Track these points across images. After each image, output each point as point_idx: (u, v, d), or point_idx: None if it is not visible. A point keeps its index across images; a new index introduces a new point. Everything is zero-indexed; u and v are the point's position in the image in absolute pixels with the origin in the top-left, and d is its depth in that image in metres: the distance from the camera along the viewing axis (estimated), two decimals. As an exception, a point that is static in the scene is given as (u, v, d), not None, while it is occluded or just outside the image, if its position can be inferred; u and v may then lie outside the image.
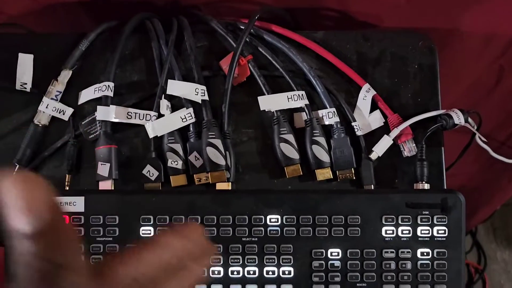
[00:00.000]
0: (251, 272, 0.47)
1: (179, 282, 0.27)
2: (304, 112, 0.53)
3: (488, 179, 0.91)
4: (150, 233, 0.47)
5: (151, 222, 0.47)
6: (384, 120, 0.53)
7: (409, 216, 0.47)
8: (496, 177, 0.89)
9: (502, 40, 0.61)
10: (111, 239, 0.47)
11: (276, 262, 0.47)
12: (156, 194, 0.49)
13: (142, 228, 0.47)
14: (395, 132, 0.52)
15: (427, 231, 0.47)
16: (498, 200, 1.00)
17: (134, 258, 0.25)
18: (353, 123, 0.53)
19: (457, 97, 0.71)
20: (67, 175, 0.52)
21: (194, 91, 0.52)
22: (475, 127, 0.54)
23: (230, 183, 0.51)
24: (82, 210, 0.47)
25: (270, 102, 0.53)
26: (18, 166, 0.52)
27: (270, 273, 0.47)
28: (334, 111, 0.52)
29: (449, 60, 0.61)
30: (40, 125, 0.53)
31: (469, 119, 0.53)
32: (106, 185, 0.51)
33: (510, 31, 0.59)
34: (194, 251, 0.27)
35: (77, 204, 0.48)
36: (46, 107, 0.52)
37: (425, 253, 0.47)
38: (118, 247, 0.47)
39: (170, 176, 0.51)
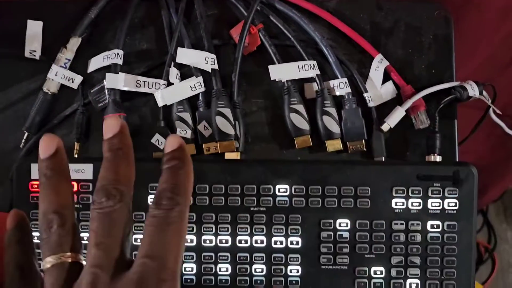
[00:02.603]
0: (259, 242, 0.47)
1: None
2: (315, 83, 0.52)
3: (499, 158, 0.90)
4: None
5: (160, 191, 0.47)
6: (396, 92, 0.53)
7: (419, 188, 0.47)
8: (507, 156, 0.88)
9: (520, 12, 0.59)
10: (119, 206, 0.47)
11: (284, 232, 0.47)
12: (164, 162, 0.49)
13: (150, 196, 0.47)
14: (407, 104, 0.51)
15: (438, 204, 0.47)
16: (509, 179, 0.99)
17: None
18: (364, 94, 0.52)
19: (472, 70, 0.69)
20: (76, 143, 0.51)
21: (204, 60, 0.51)
22: (490, 101, 0.53)
23: (239, 153, 0.50)
24: (91, 177, 0.47)
25: (280, 72, 0.52)
26: (27, 133, 0.52)
27: (278, 243, 0.47)
28: (345, 82, 0.52)
29: (465, 32, 0.59)
30: (49, 93, 0.52)
31: (484, 92, 0.52)
32: (114, 153, 0.50)
33: (529, 4, 0.58)
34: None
35: (85, 171, 0.47)
36: (55, 75, 0.52)
37: (435, 226, 0.47)
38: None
39: (179, 145, 0.51)
